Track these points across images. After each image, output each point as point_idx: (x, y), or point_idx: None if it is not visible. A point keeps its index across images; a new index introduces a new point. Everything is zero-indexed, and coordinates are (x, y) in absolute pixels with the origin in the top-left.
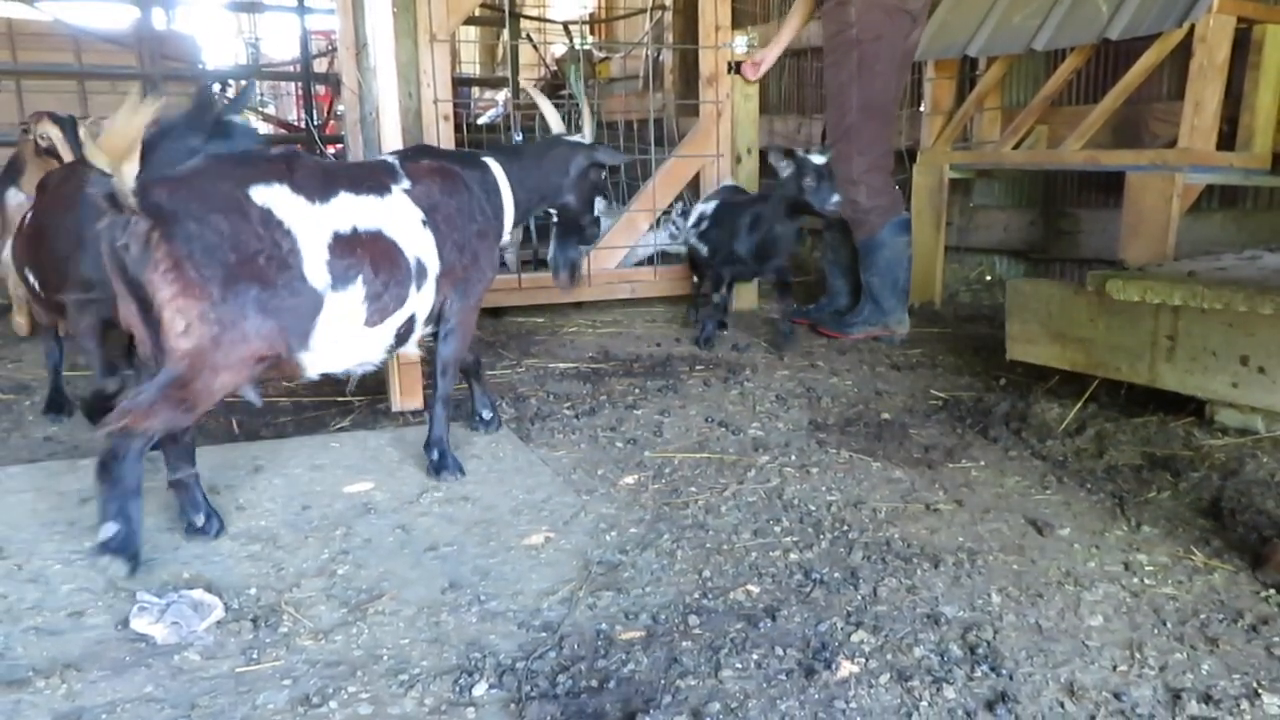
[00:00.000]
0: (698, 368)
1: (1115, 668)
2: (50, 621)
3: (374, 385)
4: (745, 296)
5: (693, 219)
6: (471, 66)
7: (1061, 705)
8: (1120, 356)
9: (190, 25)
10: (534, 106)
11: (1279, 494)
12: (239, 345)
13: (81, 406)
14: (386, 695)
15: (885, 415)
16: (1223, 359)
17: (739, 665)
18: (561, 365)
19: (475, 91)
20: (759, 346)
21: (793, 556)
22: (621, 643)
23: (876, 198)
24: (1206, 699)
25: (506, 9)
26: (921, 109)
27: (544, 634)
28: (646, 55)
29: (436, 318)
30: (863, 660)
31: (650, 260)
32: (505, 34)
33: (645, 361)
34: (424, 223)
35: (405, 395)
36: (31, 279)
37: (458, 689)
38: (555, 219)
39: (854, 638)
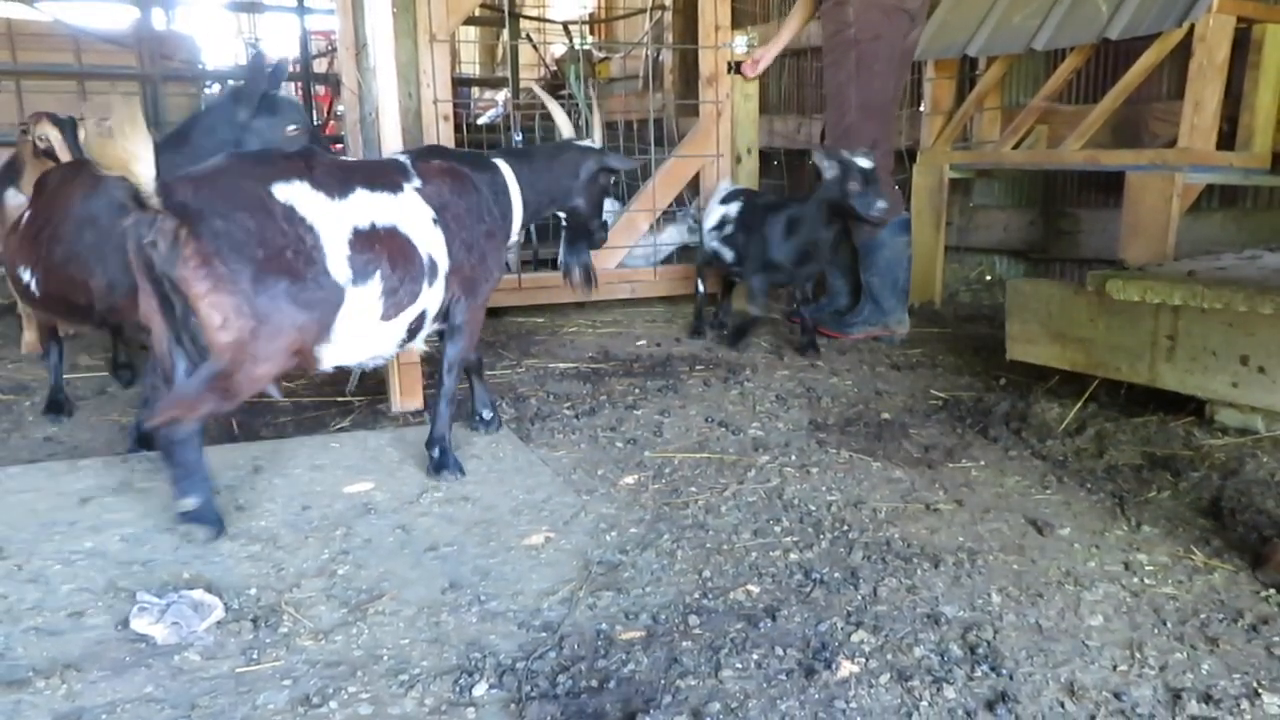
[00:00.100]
0: (698, 368)
1: (1115, 667)
2: (50, 622)
3: (374, 385)
4: (746, 296)
5: (712, 221)
6: (471, 66)
7: (1062, 705)
8: (1120, 356)
9: (190, 25)
10: (534, 107)
11: (1279, 494)
12: (276, 336)
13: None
14: (387, 695)
15: (885, 415)
16: (1223, 359)
17: (739, 665)
18: (561, 365)
19: (475, 91)
20: (759, 346)
21: (793, 556)
22: (621, 643)
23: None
24: (1207, 699)
25: (506, 9)
26: (921, 109)
27: (544, 634)
28: (646, 55)
29: (444, 315)
30: (863, 660)
31: (670, 258)
32: (505, 34)
33: (645, 361)
34: (435, 221)
35: (405, 395)
36: (27, 278)
37: (458, 689)
38: (565, 223)
39: (854, 638)
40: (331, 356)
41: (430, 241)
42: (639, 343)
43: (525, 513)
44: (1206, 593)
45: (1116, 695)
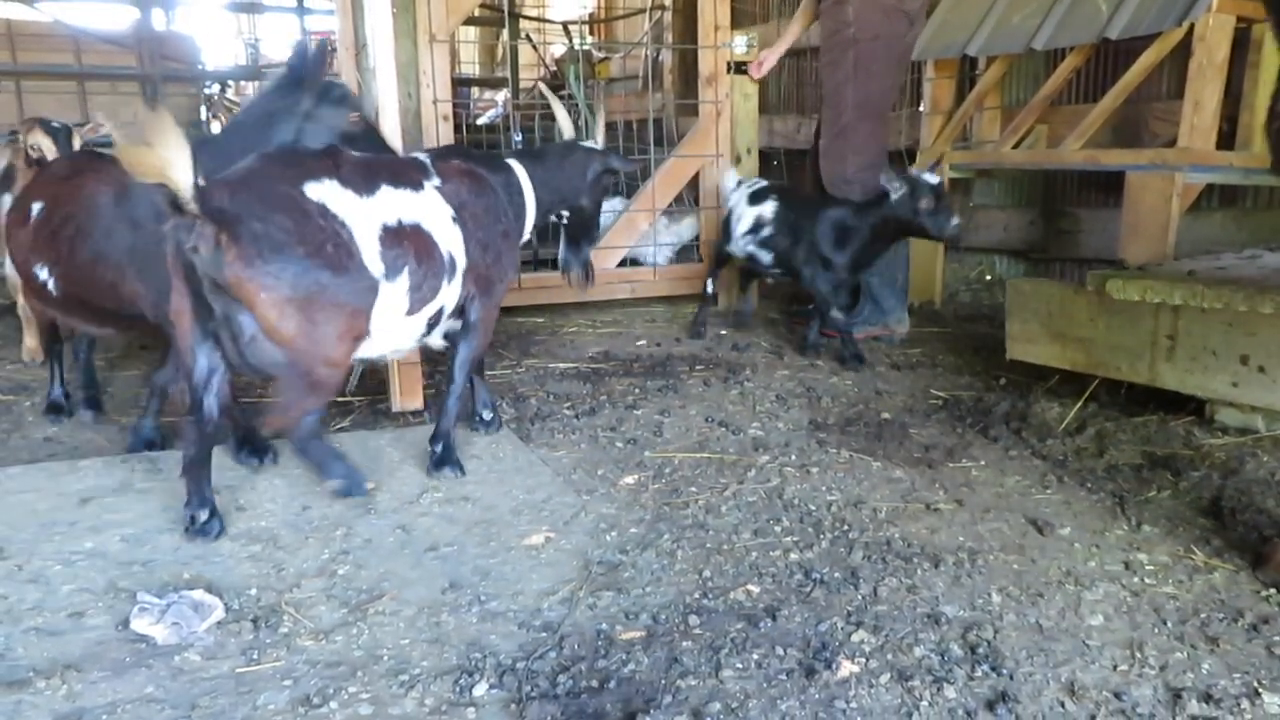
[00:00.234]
0: (698, 368)
1: (1116, 667)
2: (51, 622)
3: (374, 385)
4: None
5: (745, 224)
6: (471, 67)
7: (1062, 705)
8: (1120, 356)
9: (190, 26)
10: (533, 107)
11: (1279, 493)
12: (332, 321)
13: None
14: (387, 695)
15: (885, 415)
16: (1223, 358)
17: (739, 665)
18: (561, 365)
19: (475, 92)
20: (759, 346)
21: (793, 556)
22: (622, 643)
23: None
24: (1207, 698)
25: (506, 9)
26: (921, 109)
27: (544, 634)
28: (646, 55)
29: (459, 312)
30: (863, 660)
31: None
32: (505, 34)
33: (645, 361)
34: (454, 219)
35: (405, 395)
36: (44, 276)
37: (458, 689)
38: (564, 221)
39: (854, 637)
40: (364, 349)
41: (450, 239)
42: (639, 343)
43: (525, 513)
44: (1207, 592)
45: (1117, 695)
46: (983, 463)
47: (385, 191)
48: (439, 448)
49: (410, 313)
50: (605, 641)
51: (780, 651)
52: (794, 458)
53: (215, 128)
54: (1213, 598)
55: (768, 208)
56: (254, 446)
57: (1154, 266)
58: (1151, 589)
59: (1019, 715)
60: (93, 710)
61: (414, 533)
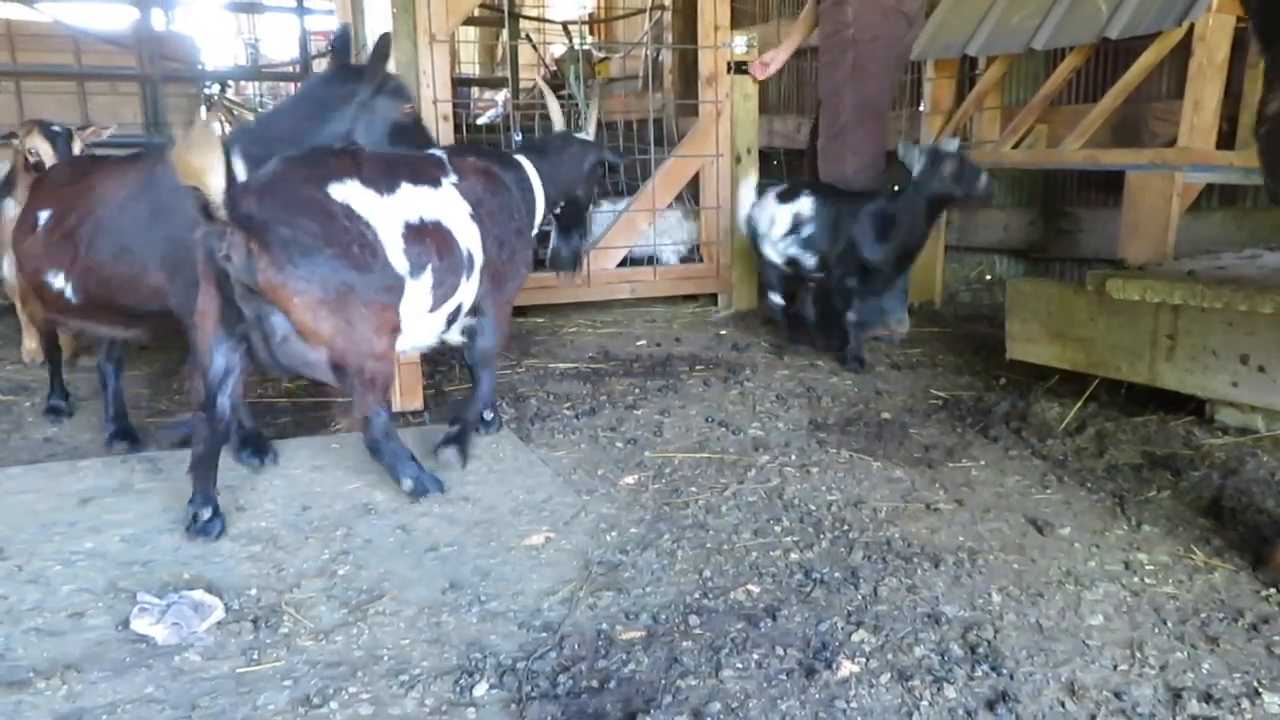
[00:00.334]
0: (698, 368)
1: (1116, 667)
2: (51, 622)
3: None
4: (744, 296)
5: (783, 226)
6: (471, 67)
7: (1062, 704)
8: (1120, 356)
9: (189, 26)
10: (533, 107)
11: (1279, 493)
12: (368, 318)
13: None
14: (387, 696)
15: (885, 415)
16: (1223, 358)
17: (740, 665)
18: (561, 365)
19: (475, 92)
20: (759, 346)
21: (793, 556)
22: (622, 643)
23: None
24: (1207, 698)
25: (506, 9)
26: (921, 109)
27: (544, 634)
28: (646, 55)
29: (475, 310)
30: (863, 660)
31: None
32: (505, 34)
33: (645, 361)
34: (471, 216)
35: (405, 395)
36: (60, 284)
37: (458, 689)
38: (557, 212)
39: (854, 637)
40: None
41: (468, 236)
42: (639, 343)
43: (525, 513)
44: (1207, 592)
45: (1117, 695)
46: (983, 463)
47: (406, 189)
48: (455, 430)
49: (432, 309)
50: (605, 641)
51: (780, 651)
52: (794, 458)
53: (214, 128)
54: (1213, 598)
55: (804, 205)
56: (255, 446)
57: (1154, 266)
58: (1151, 589)
59: (1019, 715)
60: (93, 710)
61: (414, 533)
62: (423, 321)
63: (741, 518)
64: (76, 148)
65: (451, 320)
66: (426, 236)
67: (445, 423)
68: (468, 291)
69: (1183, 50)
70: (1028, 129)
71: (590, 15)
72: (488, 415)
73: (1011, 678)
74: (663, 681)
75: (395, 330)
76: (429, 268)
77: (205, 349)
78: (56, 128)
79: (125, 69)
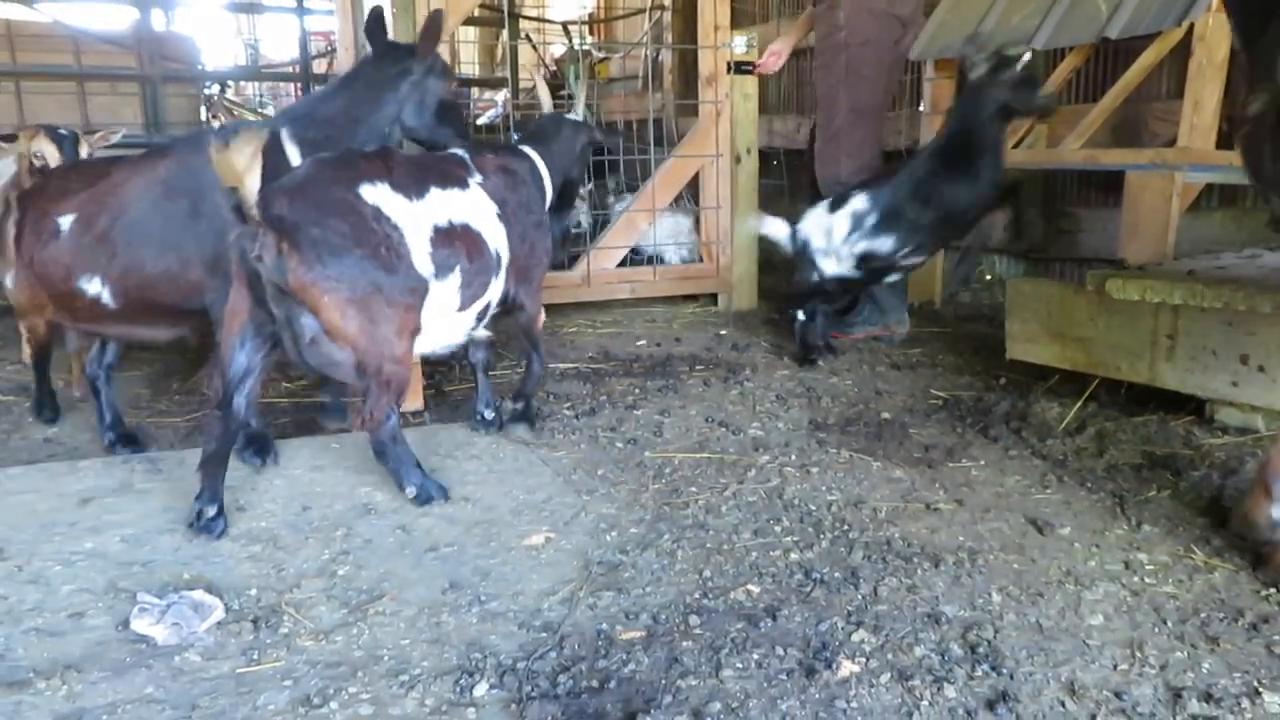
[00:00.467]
0: (698, 368)
1: (1116, 667)
2: (51, 623)
3: None
4: (745, 296)
5: (843, 230)
6: (471, 66)
7: (1062, 704)
8: (1120, 355)
9: (189, 26)
10: (533, 107)
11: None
12: (391, 319)
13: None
14: (387, 696)
15: (885, 415)
16: (1223, 358)
17: (740, 665)
18: (561, 365)
19: (475, 92)
20: (759, 346)
21: (793, 556)
22: (622, 643)
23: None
24: (1207, 697)
25: (506, 9)
26: (921, 108)
27: (544, 634)
28: (646, 55)
29: (504, 302)
30: (863, 660)
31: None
32: (505, 34)
33: (645, 361)
34: (498, 215)
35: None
36: (95, 289)
37: (458, 689)
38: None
39: (855, 637)
40: (418, 345)
41: (496, 235)
42: (639, 343)
43: (525, 513)
44: (1207, 592)
45: (1117, 694)
46: (983, 463)
47: (435, 194)
48: (520, 405)
49: (461, 309)
50: (605, 641)
51: (780, 651)
52: (794, 458)
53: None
54: (1213, 597)
55: (860, 201)
56: (259, 446)
57: (1154, 266)
58: (1151, 589)
59: (1019, 715)
60: (93, 711)
61: (414, 533)
62: (452, 320)
63: (741, 518)
64: (84, 152)
65: (481, 317)
66: (455, 239)
67: (445, 422)
68: (497, 289)
69: (1183, 50)
70: (1028, 129)
71: (590, 15)
72: (488, 415)
73: (1011, 677)
74: (663, 681)
75: (416, 333)
76: (457, 269)
77: (229, 347)
78: (63, 131)
79: (125, 69)
